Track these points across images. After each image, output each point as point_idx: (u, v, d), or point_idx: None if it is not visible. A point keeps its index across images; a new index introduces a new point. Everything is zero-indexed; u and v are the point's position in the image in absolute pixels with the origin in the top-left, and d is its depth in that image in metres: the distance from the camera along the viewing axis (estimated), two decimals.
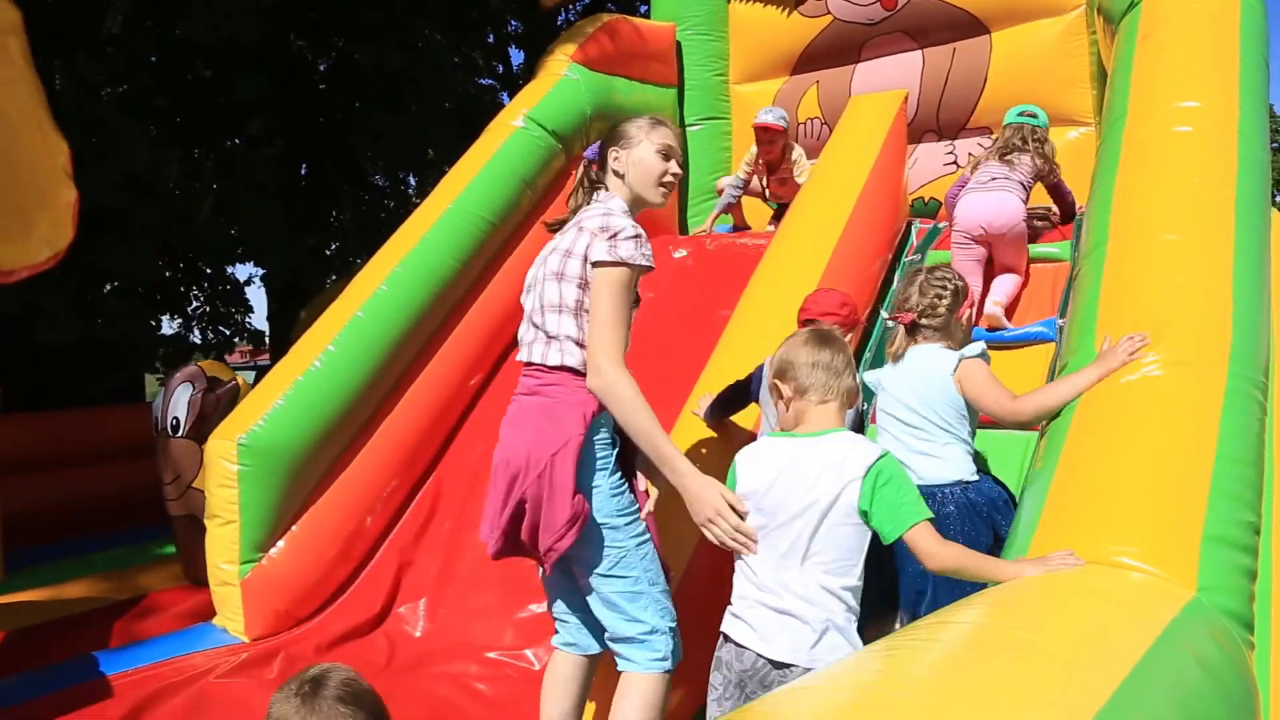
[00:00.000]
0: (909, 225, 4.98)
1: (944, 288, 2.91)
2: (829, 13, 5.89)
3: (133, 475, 6.81)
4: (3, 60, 2.62)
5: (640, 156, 2.55)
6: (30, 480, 6.34)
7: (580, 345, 2.41)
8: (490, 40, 12.90)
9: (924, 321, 2.91)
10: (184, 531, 5.07)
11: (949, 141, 5.70)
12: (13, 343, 5.77)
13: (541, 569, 2.47)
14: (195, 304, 11.18)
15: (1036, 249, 4.41)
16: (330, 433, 4.23)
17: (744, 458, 2.30)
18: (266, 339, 12.26)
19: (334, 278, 11.46)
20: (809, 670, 2.00)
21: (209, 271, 10.87)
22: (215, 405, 5.02)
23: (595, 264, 2.38)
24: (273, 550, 4.09)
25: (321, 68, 11.29)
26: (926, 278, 2.96)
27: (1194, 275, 2.60)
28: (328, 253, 11.91)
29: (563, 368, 2.42)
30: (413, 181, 13.26)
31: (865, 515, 2.09)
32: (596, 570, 2.39)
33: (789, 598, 2.11)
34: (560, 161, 5.30)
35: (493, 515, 2.47)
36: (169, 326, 11.00)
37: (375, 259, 4.74)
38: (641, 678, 2.39)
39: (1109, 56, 4.22)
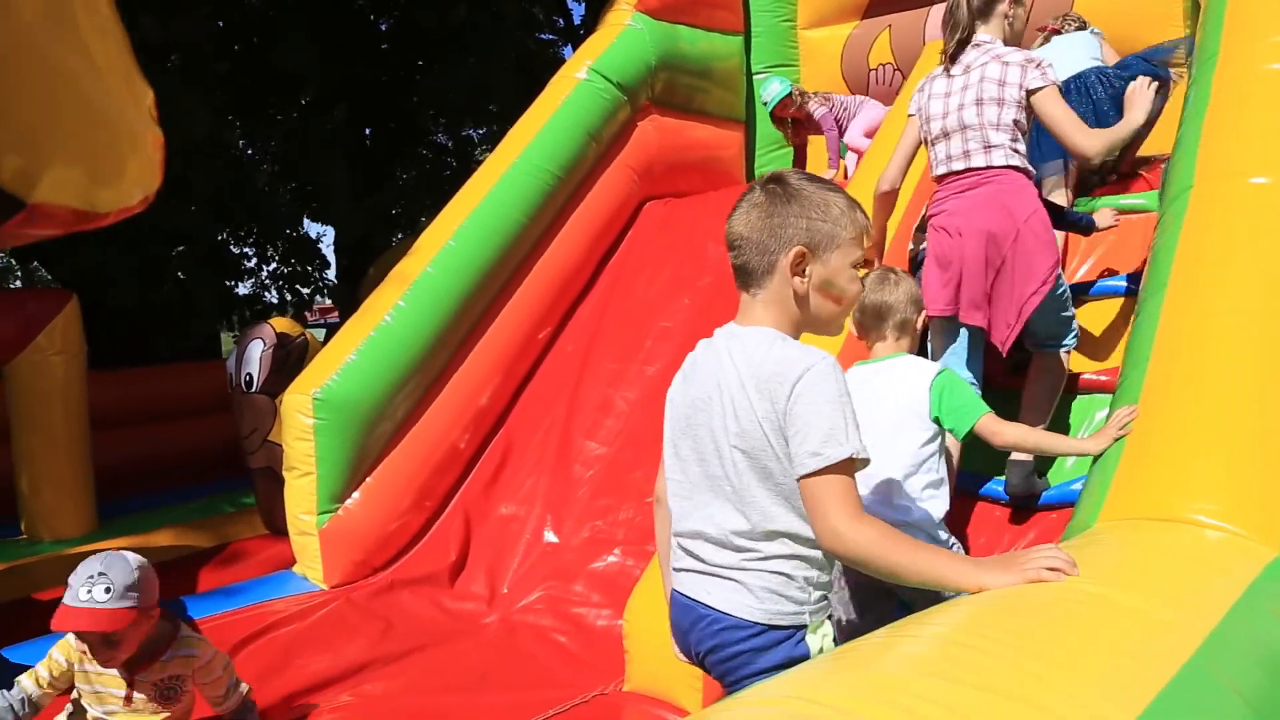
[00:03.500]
0: None
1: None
2: None
3: (212, 429, 7.05)
4: (90, 8, 2.68)
5: (1019, 12, 3.26)
6: (117, 435, 6.59)
7: (1017, 152, 3.06)
8: None
9: None
10: (263, 483, 5.22)
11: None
12: (90, 304, 5.99)
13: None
14: (271, 265, 11.43)
15: (1125, 200, 4.24)
16: (402, 386, 4.31)
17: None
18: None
19: (400, 235, 11.60)
20: None
21: (287, 234, 11.07)
22: (286, 361, 5.14)
23: (1034, 90, 3.03)
24: (348, 501, 4.20)
25: (383, 27, 11.32)
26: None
27: None
28: (394, 211, 12.04)
29: (1008, 167, 3.05)
30: (476, 138, 13.28)
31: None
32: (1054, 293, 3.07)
33: None
34: (625, 113, 5.26)
35: (973, 283, 3.04)
36: (245, 287, 11.28)
37: (442, 215, 4.77)
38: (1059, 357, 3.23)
39: None
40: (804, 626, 1.64)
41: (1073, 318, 3.31)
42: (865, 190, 3.72)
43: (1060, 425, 3.57)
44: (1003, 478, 3.35)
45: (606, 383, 4.72)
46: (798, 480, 1.56)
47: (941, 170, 3.20)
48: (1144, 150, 4.32)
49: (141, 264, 7.92)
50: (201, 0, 8.47)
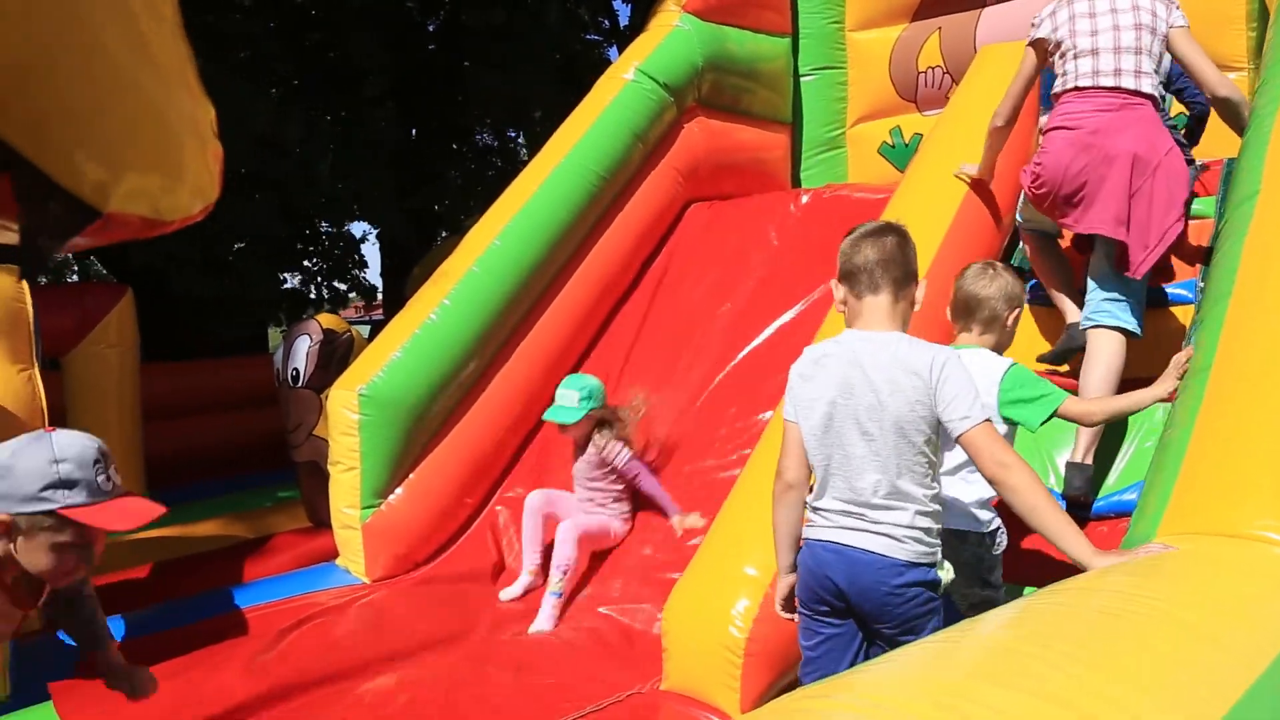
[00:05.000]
0: None
1: None
2: None
3: (258, 422, 7.16)
4: (154, 17, 2.74)
5: None
6: (166, 426, 6.71)
7: (1156, 85, 3.25)
8: None
9: None
10: (306, 476, 5.30)
11: None
12: (143, 297, 6.12)
13: None
14: (314, 260, 11.59)
15: None
16: (446, 384, 4.33)
17: None
18: (379, 294, 12.64)
19: (444, 234, 11.69)
20: None
21: (331, 230, 11.21)
22: (331, 357, 5.21)
23: (1177, 27, 3.26)
24: (391, 496, 4.23)
25: (430, 28, 11.42)
26: None
27: None
28: (437, 209, 12.14)
29: (1148, 95, 3.23)
30: (521, 139, 13.35)
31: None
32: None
33: None
34: (671, 114, 5.24)
35: (1112, 201, 3.17)
36: (294, 283, 11.45)
37: (489, 214, 4.79)
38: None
39: None
40: (935, 564, 2.16)
41: (1142, 303, 3.35)
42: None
43: (1118, 430, 3.51)
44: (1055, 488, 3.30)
45: (649, 384, 4.71)
46: (957, 438, 2.07)
47: (1085, 83, 3.31)
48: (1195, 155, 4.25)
49: (204, 257, 8.07)
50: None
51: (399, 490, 4.25)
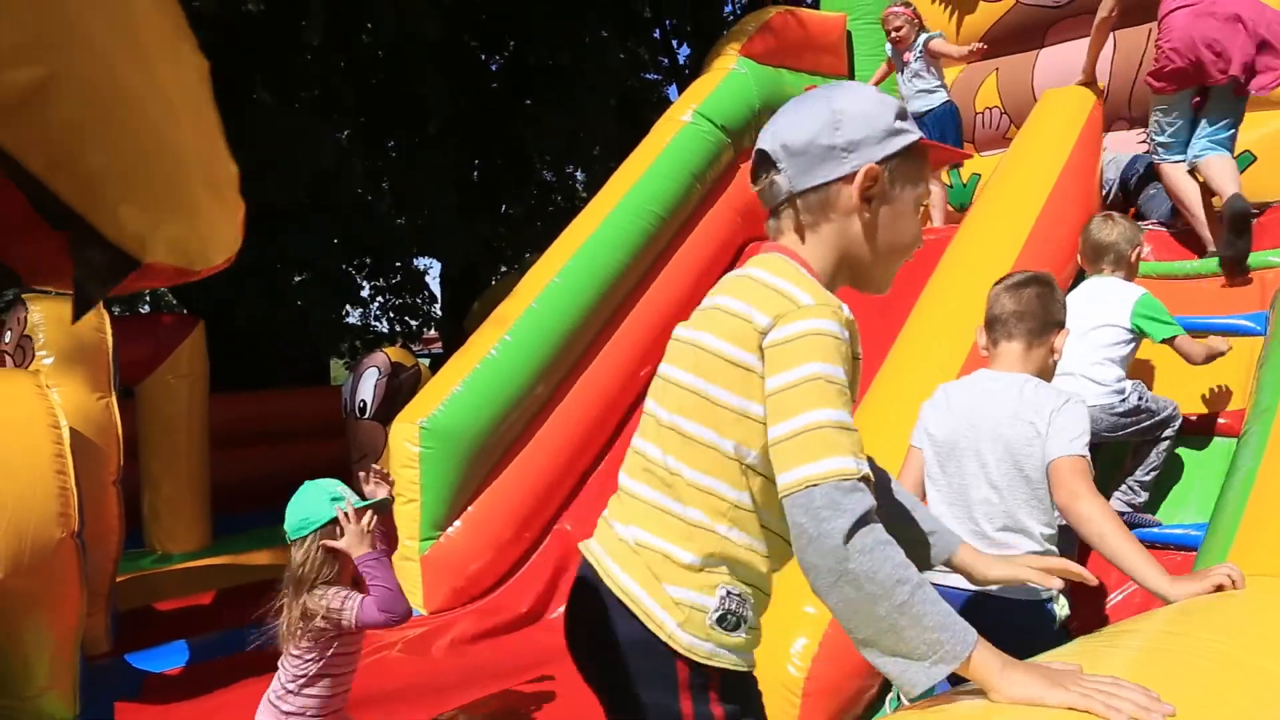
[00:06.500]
0: None
1: None
2: None
3: (323, 452, 7.29)
4: (185, 80, 2.86)
5: None
6: (231, 454, 6.88)
7: None
8: (656, 35, 13.00)
9: None
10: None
11: (1142, 130, 5.35)
12: (212, 329, 6.32)
13: None
14: (381, 296, 11.83)
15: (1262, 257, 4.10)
16: (505, 419, 4.40)
17: None
18: (433, 326, 12.85)
19: (504, 269, 11.86)
20: None
21: (398, 265, 11.44)
22: (399, 390, 5.31)
23: None
24: (450, 529, 4.29)
25: (493, 67, 11.69)
26: None
27: None
28: (498, 245, 12.34)
29: None
30: (580, 176, 13.55)
31: None
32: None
33: None
34: (729, 155, 5.31)
35: (1243, 50, 3.89)
36: (355, 317, 11.69)
37: (549, 252, 4.88)
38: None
39: None
40: (1052, 599, 2.18)
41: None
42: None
43: (1176, 466, 3.46)
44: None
45: None
46: (1050, 462, 2.10)
47: None
48: (1261, 196, 4.27)
49: (267, 289, 8.30)
50: (331, 46, 8.91)
51: (457, 523, 4.31)
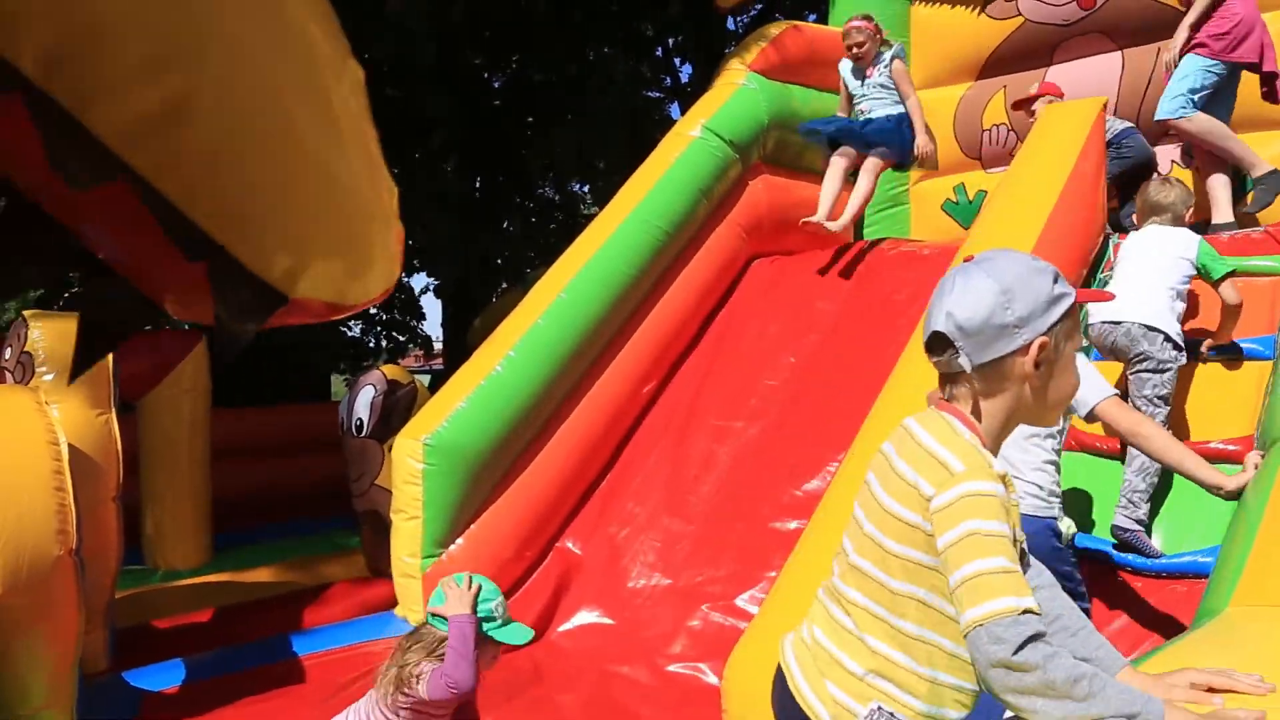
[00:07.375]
0: (1105, 240, 4.69)
1: None
2: (1019, 14, 5.65)
3: (320, 469, 7.24)
4: (344, 95, 2.80)
5: None
6: (230, 469, 6.82)
7: None
8: (659, 54, 13.03)
9: None
10: (367, 525, 5.33)
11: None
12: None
13: None
14: (375, 310, 11.81)
15: (1250, 262, 4.08)
16: (509, 435, 4.35)
17: None
18: (437, 344, 12.83)
19: (504, 286, 11.84)
20: None
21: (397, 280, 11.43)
22: (395, 407, 5.27)
23: None
24: (452, 547, 4.23)
25: (496, 85, 11.70)
26: None
27: None
28: (499, 262, 12.33)
29: None
30: (584, 191, 13.56)
31: None
32: None
33: None
34: (736, 170, 5.29)
35: None
36: (355, 331, 11.67)
37: (555, 268, 4.85)
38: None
39: None
40: (1057, 518, 2.86)
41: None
42: None
43: (1185, 494, 3.42)
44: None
45: (710, 438, 4.69)
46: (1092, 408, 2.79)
47: None
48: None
49: None
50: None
51: (460, 541, 4.25)
